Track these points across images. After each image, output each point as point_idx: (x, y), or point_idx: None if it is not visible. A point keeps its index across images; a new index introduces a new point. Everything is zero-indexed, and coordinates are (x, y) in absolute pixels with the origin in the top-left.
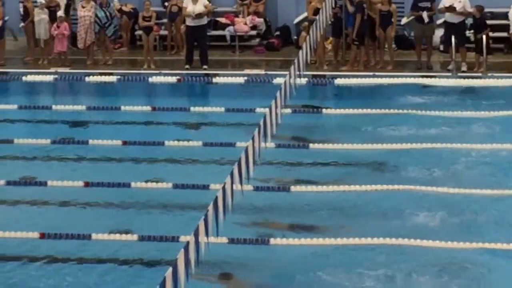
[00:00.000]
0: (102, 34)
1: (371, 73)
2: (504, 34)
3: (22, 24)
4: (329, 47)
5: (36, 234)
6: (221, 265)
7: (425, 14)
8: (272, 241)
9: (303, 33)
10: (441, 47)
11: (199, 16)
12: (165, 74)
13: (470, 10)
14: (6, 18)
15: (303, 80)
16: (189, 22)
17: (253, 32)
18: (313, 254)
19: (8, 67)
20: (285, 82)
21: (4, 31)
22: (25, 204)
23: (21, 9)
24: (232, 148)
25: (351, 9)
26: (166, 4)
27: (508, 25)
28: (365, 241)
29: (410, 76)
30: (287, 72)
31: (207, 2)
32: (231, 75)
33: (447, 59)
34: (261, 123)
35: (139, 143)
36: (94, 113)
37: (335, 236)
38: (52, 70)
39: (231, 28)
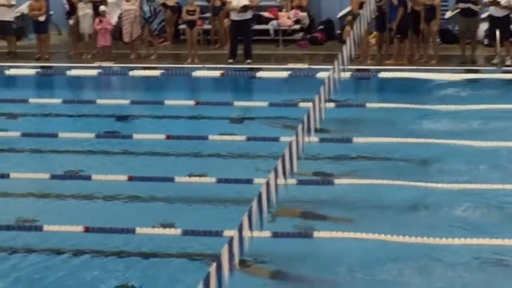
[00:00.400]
0: (146, 28)
1: (415, 67)
2: None
3: (70, 21)
4: (373, 41)
5: (80, 228)
6: (265, 260)
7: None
8: (316, 234)
9: (347, 27)
10: (486, 41)
11: (244, 9)
12: (208, 68)
13: None
14: (51, 12)
15: (347, 74)
16: (234, 16)
17: (297, 26)
18: (356, 248)
19: (53, 62)
20: (328, 76)
21: (48, 26)
22: (69, 198)
23: (67, 6)
24: (275, 143)
25: (395, 2)
26: None
27: None
28: (407, 238)
29: (454, 71)
30: (330, 66)
31: None
32: (275, 69)
33: (491, 53)
34: (305, 117)
35: (182, 138)
36: (138, 107)
37: (377, 231)
38: (96, 64)
39: (274, 22)
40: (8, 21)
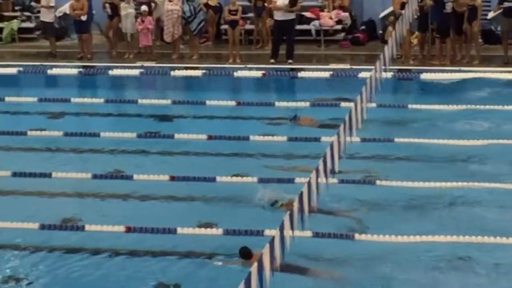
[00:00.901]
0: (187, 28)
1: (457, 68)
2: None
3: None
4: (415, 41)
5: (122, 228)
6: (306, 260)
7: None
8: (357, 236)
9: (390, 28)
10: None
11: (292, 4)
12: (250, 68)
13: None
14: (93, 12)
15: (389, 75)
16: (278, 16)
17: (339, 27)
18: (398, 250)
19: (95, 61)
20: (370, 76)
21: (90, 26)
22: (111, 197)
23: (109, 10)
24: (317, 143)
25: (429, 2)
26: None
27: None
28: (449, 238)
29: (497, 71)
30: (372, 67)
31: None
32: (316, 70)
33: None
34: (347, 117)
35: (224, 138)
36: (180, 107)
37: (419, 232)
38: (138, 64)
39: (316, 22)
40: (48, 22)
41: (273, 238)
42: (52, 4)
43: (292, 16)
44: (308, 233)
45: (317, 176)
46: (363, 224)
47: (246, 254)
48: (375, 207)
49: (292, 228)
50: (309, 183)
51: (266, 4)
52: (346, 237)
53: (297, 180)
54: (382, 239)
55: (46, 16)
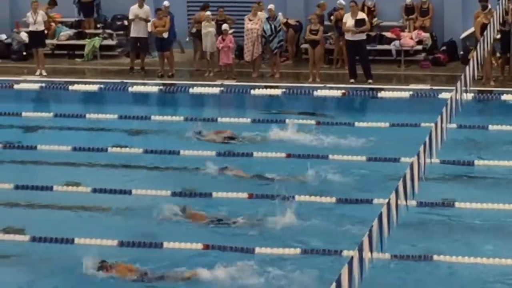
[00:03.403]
0: (267, 47)
1: None
2: None
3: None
4: (496, 62)
5: (199, 246)
6: (384, 281)
7: None
8: (435, 257)
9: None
10: None
11: (359, 25)
12: (330, 88)
13: None
14: (176, 30)
15: (469, 96)
16: (348, 36)
17: (419, 47)
18: (478, 273)
19: (175, 79)
20: (451, 97)
21: (171, 43)
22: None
23: (194, 29)
24: (396, 163)
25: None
26: (332, 18)
27: None
28: None
29: None
30: (453, 88)
31: (366, 17)
32: (396, 90)
33: None
34: (427, 138)
35: (303, 156)
36: (259, 125)
37: (498, 255)
38: (218, 82)
39: (396, 42)
40: (142, 37)
41: (351, 258)
42: (150, 18)
43: (362, 36)
44: (387, 255)
45: (397, 197)
46: (441, 247)
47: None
48: (454, 229)
49: (371, 249)
50: (388, 204)
51: None
52: (424, 259)
53: (375, 201)
54: (461, 260)
55: (141, 31)
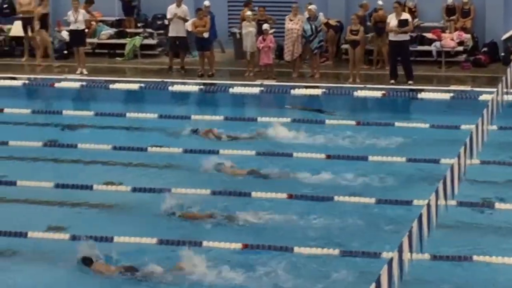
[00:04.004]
0: (307, 47)
1: None
2: None
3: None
4: None
5: (239, 245)
6: (424, 282)
7: None
8: (475, 258)
9: None
10: None
11: (402, 25)
12: (370, 89)
13: None
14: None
15: (510, 97)
16: (391, 36)
17: (460, 48)
18: None
19: (215, 79)
20: (492, 99)
21: (212, 43)
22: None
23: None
24: (436, 165)
25: None
26: (371, 18)
27: None
28: None
29: None
30: (494, 89)
31: (409, 17)
32: (437, 91)
33: None
34: (467, 140)
35: (342, 157)
36: (299, 125)
37: None
38: (258, 82)
39: (437, 43)
40: (182, 36)
41: (391, 259)
42: (188, 18)
43: (405, 37)
44: (426, 256)
45: (437, 198)
46: (481, 248)
47: (86, 261)
48: (494, 230)
49: (410, 250)
50: (428, 205)
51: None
52: (464, 259)
53: (415, 202)
54: (501, 261)
55: (180, 31)
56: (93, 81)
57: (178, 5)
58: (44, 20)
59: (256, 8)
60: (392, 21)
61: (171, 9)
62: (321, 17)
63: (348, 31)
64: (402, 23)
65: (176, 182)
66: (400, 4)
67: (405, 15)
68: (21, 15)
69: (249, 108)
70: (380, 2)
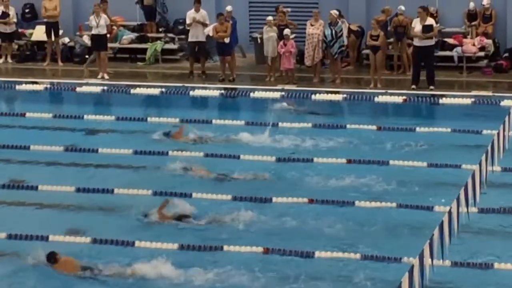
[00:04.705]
0: (328, 52)
1: None
2: None
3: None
4: None
5: (260, 249)
6: None
7: None
8: (496, 265)
9: None
10: None
11: (427, 30)
12: (391, 94)
13: None
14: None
15: None
16: (416, 42)
17: (481, 53)
18: None
19: (236, 83)
20: None
21: (233, 48)
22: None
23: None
24: (457, 170)
25: None
26: (391, 23)
27: None
28: None
29: None
30: None
31: (434, 22)
32: (458, 96)
33: None
34: (489, 146)
35: (363, 162)
36: (319, 131)
37: None
38: (279, 87)
39: (459, 48)
40: (202, 41)
41: (412, 266)
42: (208, 22)
43: (430, 42)
44: (447, 262)
45: (458, 206)
46: (503, 255)
47: (50, 258)
48: None
49: (431, 256)
50: (449, 212)
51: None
52: (485, 267)
53: (436, 208)
54: None
55: (199, 36)
56: (114, 86)
57: (197, 10)
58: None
59: (286, 9)
60: (416, 26)
61: (190, 14)
62: (342, 22)
63: (368, 36)
64: (427, 29)
65: (195, 186)
66: (425, 9)
67: (430, 20)
68: (45, 20)
69: (269, 113)
70: (402, 8)
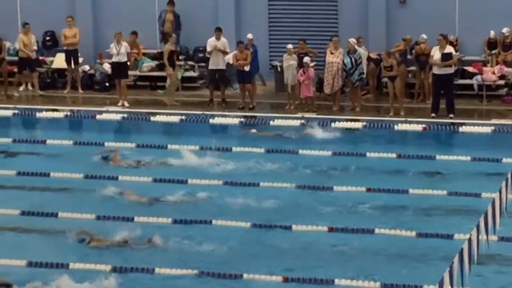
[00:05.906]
0: (348, 80)
1: None
2: None
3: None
4: None
5: (279, 278)
6: None
7: None
8: None
9: None
10: None
11: (446, 58)
12: (411, 122)
13: None
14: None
15: None
16: (435, 70)
17: (501, 82)
18: None
19: (256, 111)
20: None
21: (253, 76)
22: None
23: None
24: (477, 199)
25: None
26: (413, 51)
27: None
28: None
29: None
30: None
31: (453, 51)
32: (478, 125)
33: None
34: (509, 174)
35: (383, 191)
36: (339, 159)
37: None
38: (299, 115)
39: (478, 77)
40: (222, 69)
41: None
42: (228, 50)
43: (449, 70)
44: None
45: (478, 233)
46: None
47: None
48: None
49: (451, 284)
50: (469, 240)
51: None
52: None
53: (456, 236)
54: None
55: (220, 63)
56: (134, 113)
57: (217, 38)
58: (171, 56)
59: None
60: (435, 54)
61: (211, 42)
62: (362, 50)
63: (382, 68)
64: (446, 57)
65: (208, 214)
66: (445, 37)
67: (449, 49)
68: (65, 48)
69: (289, 141)
70: (424, 36)
